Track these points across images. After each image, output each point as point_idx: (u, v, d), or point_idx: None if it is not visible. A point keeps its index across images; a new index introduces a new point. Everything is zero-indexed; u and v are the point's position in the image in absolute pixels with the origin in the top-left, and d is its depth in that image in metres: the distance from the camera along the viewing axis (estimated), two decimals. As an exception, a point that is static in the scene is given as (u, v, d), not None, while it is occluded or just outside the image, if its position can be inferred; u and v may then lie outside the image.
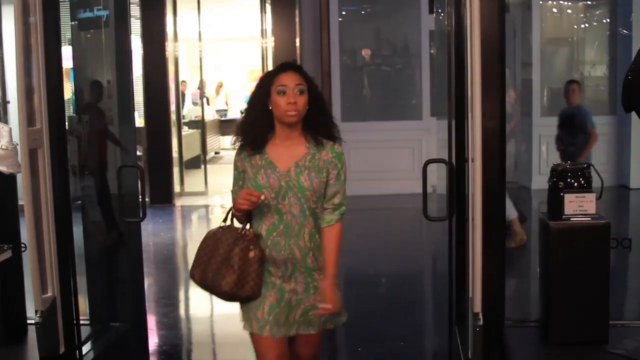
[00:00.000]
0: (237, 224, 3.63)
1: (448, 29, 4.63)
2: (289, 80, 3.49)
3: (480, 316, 3.86)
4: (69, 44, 5.70)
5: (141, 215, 5.06)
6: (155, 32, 12.26)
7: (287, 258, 3.56)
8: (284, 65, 3.61)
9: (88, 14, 5.67)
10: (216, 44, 14.95)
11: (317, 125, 3.57)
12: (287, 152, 3.56)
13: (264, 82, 3.58)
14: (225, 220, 3.65)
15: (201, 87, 14.88)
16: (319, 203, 3.57)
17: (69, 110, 5.57)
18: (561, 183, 4.53)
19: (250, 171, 3.57)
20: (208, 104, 15.61)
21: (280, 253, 3.56)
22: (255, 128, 3.56)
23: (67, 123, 4.45)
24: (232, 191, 3.73)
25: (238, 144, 3.64)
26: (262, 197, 3.45)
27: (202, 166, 14.00)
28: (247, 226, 3.62)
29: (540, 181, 9.02)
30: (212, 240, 3.63)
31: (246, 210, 3.52)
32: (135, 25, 12.06)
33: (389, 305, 7.10)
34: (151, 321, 6.70)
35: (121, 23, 5.39)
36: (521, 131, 12.47)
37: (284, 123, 3.53)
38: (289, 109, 3.46)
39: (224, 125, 17.84)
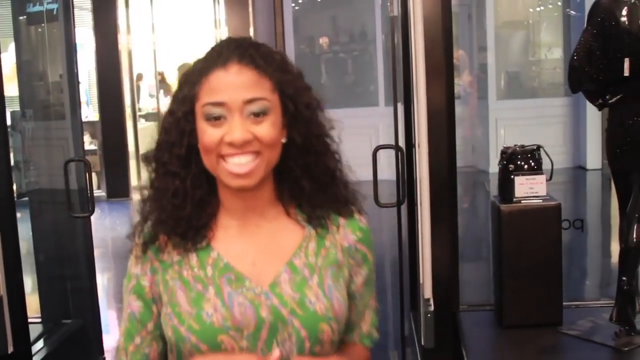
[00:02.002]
0: None
1: (392, 14, 4.61)
2: (228, 90, 1.63)
3: (431, 302, 3.85)
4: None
5: (90, 210, 5.00)
6: (107, 24, 12.13)
7: None
8: (221, 48, 1.69)
9: (38, 8, 5.59)
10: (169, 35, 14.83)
11: (311, 181, 1.76)
12: (257, 241, 1.74)
13: (183, 92, 1.70)
14: None
15: (156, 79, 14.74)
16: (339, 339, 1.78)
17: (15, 106, 5.48)
18: (511, 165, 4.51)
19: (183, 296, 1.69)
20: (165, 95, 15.44)
21: None
22: (177, 195, 1.71)
23: (10, 118, 4.38)
24: (120, 351, 1.78)
25: (139, 236, 1.76)
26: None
27: (160, 159, 13.85)
28: None
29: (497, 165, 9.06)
30: None
31: None
32: (87, 18, 11.93)
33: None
34: (110, 316, 6.65)
35: (67, 15, 5.33)
36: (478, 115, 12.53)
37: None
38: (230, 155, 1.64)
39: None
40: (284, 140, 1.70)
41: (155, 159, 1.74)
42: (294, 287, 1.69)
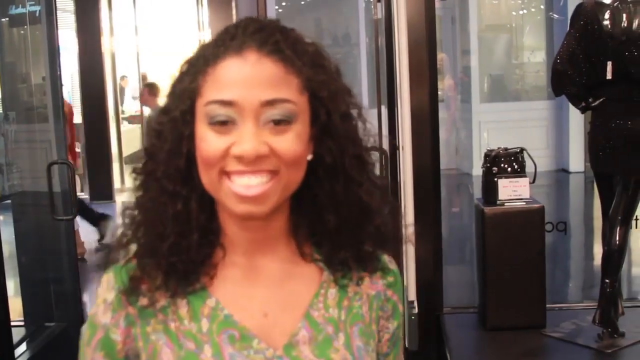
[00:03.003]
0: None
1: (375, 17, 4.61)
2: (241, 85, 1.18)
3: (415, 304, 3.85)
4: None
5: (73, 212, 4.99)
6: (90, 26, 12.08)
7: None
8: (236, 29, 1.23)
9: (20, 10, 5.56)
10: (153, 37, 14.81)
11: (337, 214, 1.30)
12: (268, 287, 1.31)
13: (183, 84, 1.25)
14: None
15: (139, 81, 14.72)
16: None
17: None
18: (495, 168, 4.53)
19: (169, 355, 1.25)
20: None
21: None
22: (178, 219, 1.26)
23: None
24: None
25: (113, 272, 1.32)
26: None
27: (144, 161, 13.82)
28: None
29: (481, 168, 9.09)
30: None
31: None
32: (70, 20, 11.88)
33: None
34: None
35: (50, 17, 5.31)
36: (461, 118, 12.55)
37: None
38: (237, 173, 1.20)
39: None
40: (309, 158, 1.26)
41: (146, 171, 1.28)
42: (316, 349, 1.27)
